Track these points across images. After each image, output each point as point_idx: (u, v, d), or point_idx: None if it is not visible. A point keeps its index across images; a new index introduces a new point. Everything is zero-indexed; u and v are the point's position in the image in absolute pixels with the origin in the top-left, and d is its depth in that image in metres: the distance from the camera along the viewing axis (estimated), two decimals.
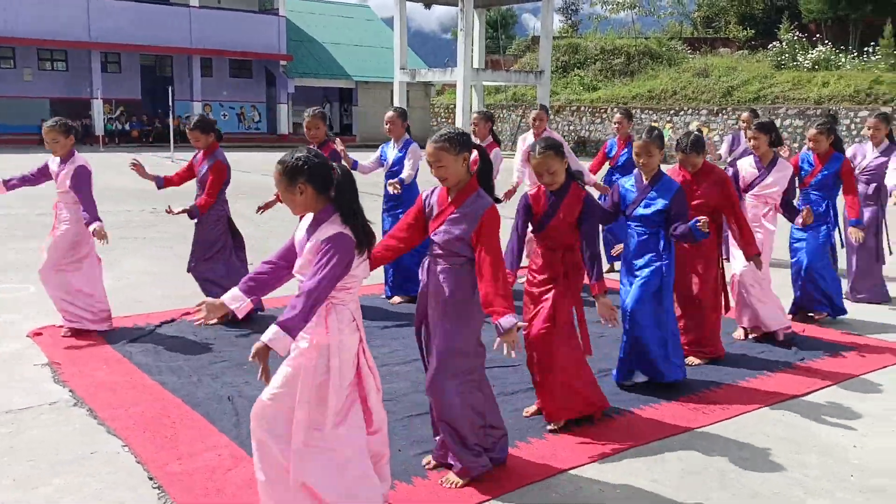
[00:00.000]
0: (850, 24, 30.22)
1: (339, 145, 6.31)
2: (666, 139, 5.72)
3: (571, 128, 32.20)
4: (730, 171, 6.31)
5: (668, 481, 3.64)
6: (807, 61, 27.31)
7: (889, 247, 7.24)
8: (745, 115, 9.44)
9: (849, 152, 7.07)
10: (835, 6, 29.64)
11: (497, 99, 36.85)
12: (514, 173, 7.55)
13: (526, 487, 3.55)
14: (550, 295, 4.01)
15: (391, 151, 6.80)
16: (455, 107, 33.57)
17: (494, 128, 7.76)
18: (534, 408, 4.34)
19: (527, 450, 3.92)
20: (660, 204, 4.49)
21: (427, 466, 3.68)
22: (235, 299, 3.02)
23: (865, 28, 29.96)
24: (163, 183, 6.07)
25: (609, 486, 3.58)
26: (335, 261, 2.87)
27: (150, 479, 3.56)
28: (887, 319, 6.56)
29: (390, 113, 6.75)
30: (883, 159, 6.96)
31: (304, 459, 2.93)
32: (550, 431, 4.11)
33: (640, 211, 4.54)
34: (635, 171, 4.68)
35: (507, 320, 3.24)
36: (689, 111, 28.41)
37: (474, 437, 3.55)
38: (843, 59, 27.12)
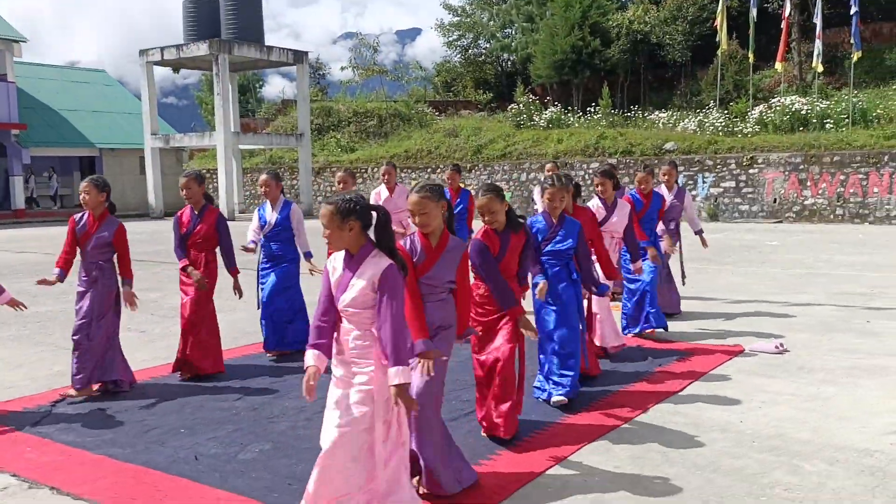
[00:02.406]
0: (572, 88, 34.44)
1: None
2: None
3: (334, 188, 32.89)
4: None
5: (626, 466, 4.34)
6: (542, 121, 30.62)
7: (683, 274, 8.77)
8: (549, 165, 10.75)
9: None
10: (559, 71, 33.66)
11: (254, 162, 36.69)
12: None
13: (522, 489, 4.05)
14: (506, 323, 4.60)
15: (270, 214, 6.99)
16: (212, 171, 32.97)
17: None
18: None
19: (499, 462, 4.41)
20: (569, 242, 5.28)
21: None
22: (321, 359, 3.33)
23: (585, 91, 34.38)
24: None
25: (588, 476, 4.20)
26: (400, 288, 3.33)
27: None
28: (691, 329, 7.91)
29: (264, 176, 6.97)
30: (677, 202, 8.42)
31: (388, 470, 3.32)
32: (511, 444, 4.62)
33: (551, 247, 5.30)
34: (542, 211, 5.44)
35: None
36: (445, 168, 30.46)
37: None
38: (572, 119, 30.81)
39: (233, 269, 6.52)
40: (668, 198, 8.38)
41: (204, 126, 47.71)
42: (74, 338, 5.83)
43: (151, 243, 18.80)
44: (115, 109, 37.10)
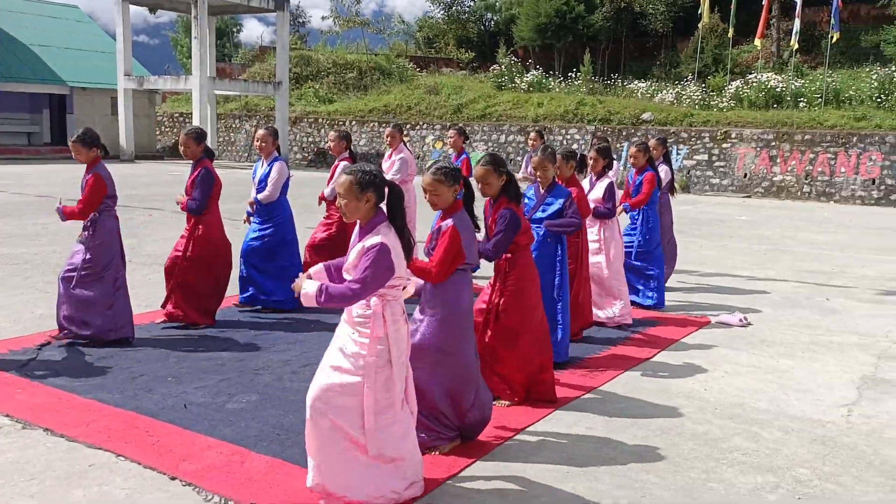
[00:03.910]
0: (554, 52, 34.40)
1: None
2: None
3: (310, 139, 32.77)
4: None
5: (598, 427, 4.59)
6: (523, 84, 30.59)
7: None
8: (532, 134, 10.75)
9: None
10: (542, 35, 33.59)
11: (228, 108, 36.19)
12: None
13: (502, 445, 4.28)
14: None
15: (260, 169, 7.05)
16: (185, 115, 32.54)
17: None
18: None
19: None
20: (556, 206, 5.44)
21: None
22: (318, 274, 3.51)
23: (567, 56, 34.35)
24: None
25: (563, 436, 4.44)
26: (377, 265, 3.32)
27: (173, 479, 3.74)
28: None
29: (261, 132, 6.96)
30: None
31: (378, 436, 3.41)
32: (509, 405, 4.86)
33: (539, 214, 5.47)
34: (534, 182, 5.60)
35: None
36: (424, 126, 30.38)
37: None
38: (552, 83, 30.82)
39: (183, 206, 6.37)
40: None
41: (178, 68, 46.89)
42: (65, 287, 5.86)
43: (123, 187, 18.41)
44: (87, 47, 36.16)
